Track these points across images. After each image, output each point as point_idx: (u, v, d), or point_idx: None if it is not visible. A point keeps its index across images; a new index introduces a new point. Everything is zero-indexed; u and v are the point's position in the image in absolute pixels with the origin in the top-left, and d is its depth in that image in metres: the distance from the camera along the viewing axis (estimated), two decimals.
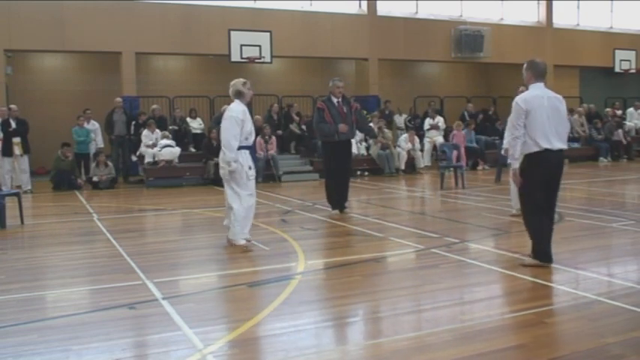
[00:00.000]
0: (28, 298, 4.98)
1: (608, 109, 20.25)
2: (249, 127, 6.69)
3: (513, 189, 7.95)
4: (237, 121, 6.53)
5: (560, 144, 5.45)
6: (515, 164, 5.53)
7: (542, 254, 5.54)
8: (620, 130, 19.00)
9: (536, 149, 5.41)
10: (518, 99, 5.52)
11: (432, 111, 17.61)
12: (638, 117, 20.71)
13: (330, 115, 8.97)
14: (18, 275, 5.78)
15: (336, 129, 8.91)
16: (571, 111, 19.75)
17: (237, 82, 6.83)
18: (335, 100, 9.09)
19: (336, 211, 9.05)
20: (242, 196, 6.63)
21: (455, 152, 13.86)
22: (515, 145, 5.48)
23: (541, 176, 5.48)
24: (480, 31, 19.52)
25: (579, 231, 7.35)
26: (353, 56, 18.68)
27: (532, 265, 5.56)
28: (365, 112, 17.32)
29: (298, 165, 15.61)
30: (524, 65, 5.68)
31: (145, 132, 14.25)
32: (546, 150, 5.39)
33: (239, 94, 6.75)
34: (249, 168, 6.67)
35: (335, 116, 8.98)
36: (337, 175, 9.13)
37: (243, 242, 6.65)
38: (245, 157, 6.65)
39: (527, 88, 5.75)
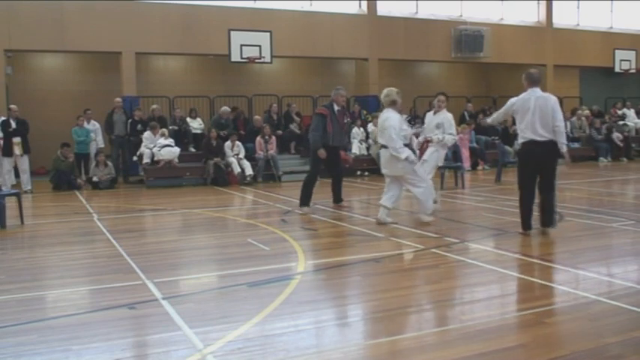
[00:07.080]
0: (28, 298, 4.98)
1: (613, 111, 20.25)
2: (404, 129, 7.79)
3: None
4: (395, 129, 7.51)
5: (545, 133, 6.50)
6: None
7: (522, 223, 6.86)
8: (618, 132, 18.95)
9: (522, 140, 6.70)
10: (512, 99, 6.91)
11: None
12: (633, 116, 20.74)
13: (331, 123, 9.22)
14: (18, 275, 5.78)
15: (327, 142, 9.18)
16: (573, 112, 19.78)
17: (391, 92, 7.51)
18: (336, 108, 9.36)
19: (309, 208, 9.28)
20: (415, 183, 7.68)
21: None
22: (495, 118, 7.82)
23: (527, 161, 6.75)
24: (480, 31, 19.51)
25: (579, 231, 7.35)
26: (353, 56, 18.68)
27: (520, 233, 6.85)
28: (365, 112, 17.41)
29: (298, 165, 15.60)
30: (523, 76, 6.82)
31: (147, 134, 14.21)
32: (531, 141, 6.58)
33: (394, 103, 7.50)
34: (406, 158, 7.57)
35: (335, 124, 9.28)
36: (332, 174, 9.70)
37: (428, 219, 7.72)
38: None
39: None
